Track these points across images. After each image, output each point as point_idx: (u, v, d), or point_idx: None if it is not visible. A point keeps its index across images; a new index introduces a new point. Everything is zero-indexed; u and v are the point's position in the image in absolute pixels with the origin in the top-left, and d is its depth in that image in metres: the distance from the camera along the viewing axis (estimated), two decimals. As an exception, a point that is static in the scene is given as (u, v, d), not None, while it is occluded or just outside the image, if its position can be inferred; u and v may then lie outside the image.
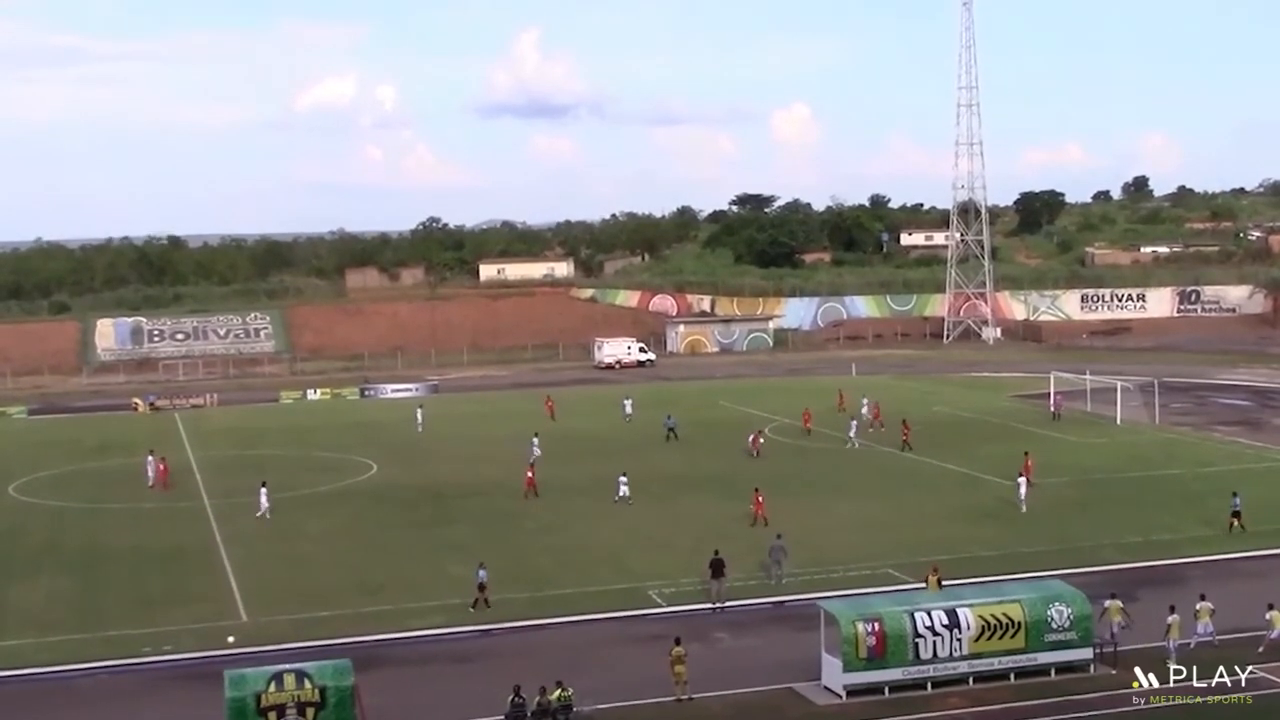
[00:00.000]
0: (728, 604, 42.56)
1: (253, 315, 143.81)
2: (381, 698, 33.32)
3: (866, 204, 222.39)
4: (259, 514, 56.95)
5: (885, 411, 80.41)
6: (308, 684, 30.92)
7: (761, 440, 72.18)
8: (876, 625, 34.18)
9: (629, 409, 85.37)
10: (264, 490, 57.94)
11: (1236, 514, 50.94)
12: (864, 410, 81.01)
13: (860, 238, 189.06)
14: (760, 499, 54.04)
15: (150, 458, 67.25)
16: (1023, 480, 56.72)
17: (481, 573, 43.17)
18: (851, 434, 73.73)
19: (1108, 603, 37.22)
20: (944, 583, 41.00)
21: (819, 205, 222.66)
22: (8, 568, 50.31)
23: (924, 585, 41.24)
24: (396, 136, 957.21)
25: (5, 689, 36.98)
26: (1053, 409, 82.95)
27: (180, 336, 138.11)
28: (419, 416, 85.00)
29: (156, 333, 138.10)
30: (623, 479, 59.74)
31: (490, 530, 54.61)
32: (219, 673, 32.46)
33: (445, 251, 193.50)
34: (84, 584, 47.78)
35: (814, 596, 40.73)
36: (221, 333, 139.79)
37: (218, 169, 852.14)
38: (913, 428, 72.96)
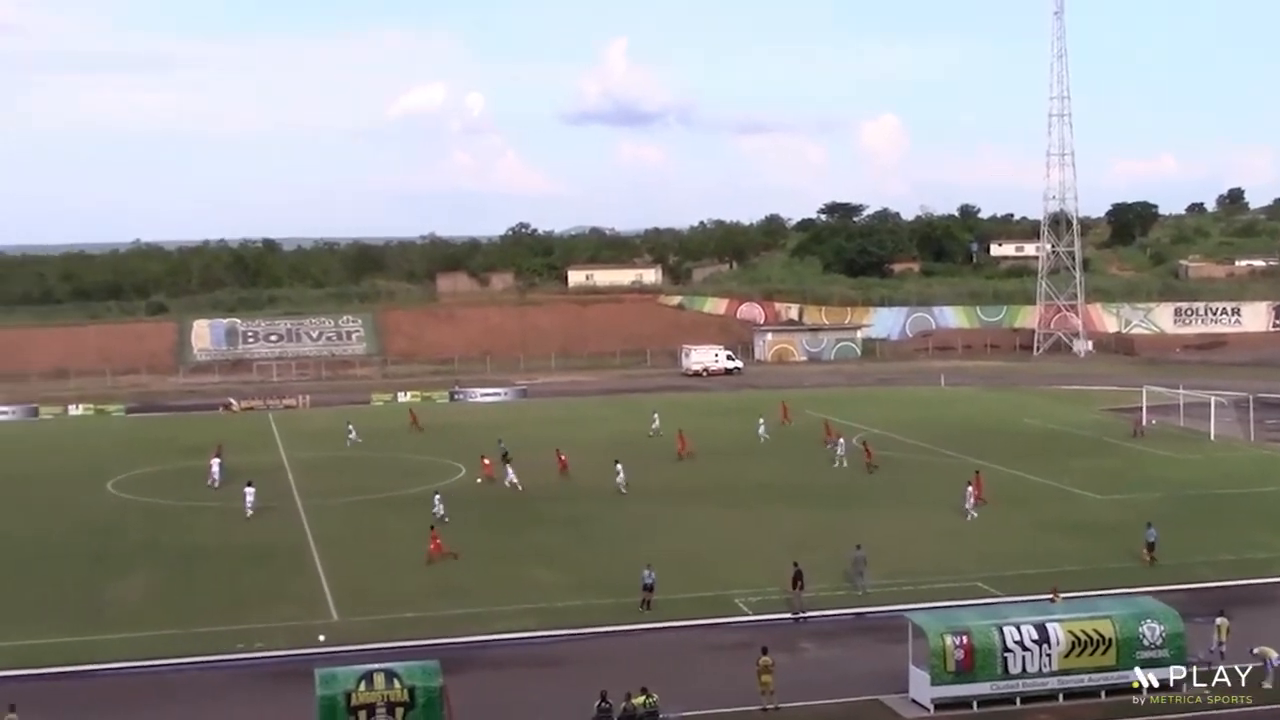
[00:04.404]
0: (808, 614, 42.48)
1: (345, 318, 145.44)
2: (468, 699, 33.59)
3: (956, 214, 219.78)
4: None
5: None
6: (397, 684, 31.31)
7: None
8: (965, 639, 33.94)
9: (656, 423, 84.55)
10: (249, 490, 59.65)
11: (1150, 546, 48.66)
12: (760, 429, 79.84)
13: (950, 248, 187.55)
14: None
15: (215, 459, 68.30)
16: (970, 491, 57.38)
17: (648, 574, 43.49)
18: (840, 451, 70.62)
19: (1219, 620, 36.80)
20: (1060, 596, 40.39)
21: (908, 215, 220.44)
22: (105, 563, 51.47)
23: (1020, 599, 40.64)
24: (486, 143, 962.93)
25: (99, 682, 37.85)
26: (1134, 427, 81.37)
27: (274, 338, 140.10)
28: (351, 431, 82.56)
29: (251, 334, 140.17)
30: (617, 464, 64.07)
31: (577, 535, 54.93)
32: (309, 671, 32.87)
33: (534, 257, 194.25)
34: (178, 580, 48.71)
35: (899, 608, 40.48)
36: (314, 335, 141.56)
37: (311, 174, 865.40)
38: (874, 451, 70.06)
